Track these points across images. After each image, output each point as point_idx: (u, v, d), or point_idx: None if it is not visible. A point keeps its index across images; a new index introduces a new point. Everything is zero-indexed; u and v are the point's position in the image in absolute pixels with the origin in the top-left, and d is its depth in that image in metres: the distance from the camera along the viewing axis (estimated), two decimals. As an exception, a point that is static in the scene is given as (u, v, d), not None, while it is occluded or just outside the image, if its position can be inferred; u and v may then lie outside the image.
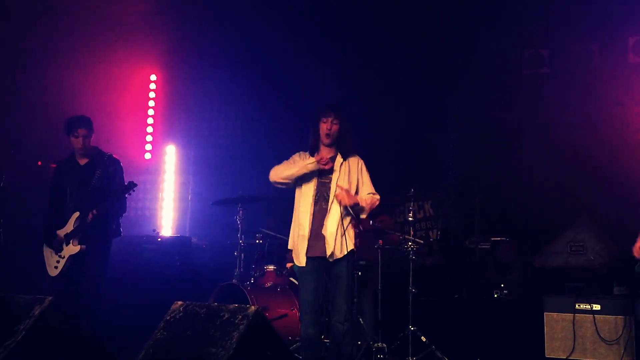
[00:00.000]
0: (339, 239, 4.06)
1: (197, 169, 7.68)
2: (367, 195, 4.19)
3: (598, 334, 5.07)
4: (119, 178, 4.90)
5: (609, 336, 5.05)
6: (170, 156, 7.68)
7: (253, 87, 7.34)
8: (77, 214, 4.72)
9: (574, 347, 5.10)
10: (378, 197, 4.23)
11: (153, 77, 7.71)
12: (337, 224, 4.06)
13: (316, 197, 4.12)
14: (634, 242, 5.46)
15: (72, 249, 4.69)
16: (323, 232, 4.07)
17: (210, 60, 7.46)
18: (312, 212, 4.10)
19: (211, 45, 7.43)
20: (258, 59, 7.30)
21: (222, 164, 7.41)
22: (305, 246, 4.08)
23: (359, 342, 4.97)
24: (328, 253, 4.05)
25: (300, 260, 4.11)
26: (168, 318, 3.69)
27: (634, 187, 5.84)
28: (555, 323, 5.23)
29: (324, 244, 4.06)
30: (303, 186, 4.16)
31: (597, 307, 5.12)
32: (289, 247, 4.27)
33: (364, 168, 4.25)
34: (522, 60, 6.59)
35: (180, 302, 3.79)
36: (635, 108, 6.10)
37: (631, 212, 5.73)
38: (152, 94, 7.70)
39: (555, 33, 6.36)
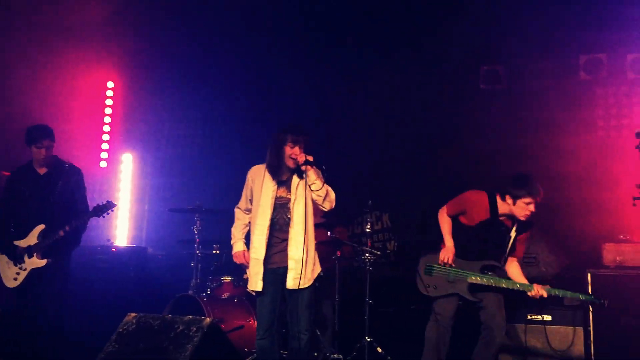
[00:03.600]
0: (304, 267, 4.01)
1: (155, 178, 7.55)
2: None
3: (549, 344, 5.19)
4: (82, 188, 4.83)
5: (559, 346, 5.18)
6: (127, 164, 7.55)
7: (213, 95, 7.29)
8: (41, 226, 4.61)
9: (525, 357, 5.20)
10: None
11: (110, 84, 7.58)
12: (301, 249, 4.01)
13: (273, 219, 4.08)
14: (583, 253, 5.67)
15: (36, 262, 4.57)
16: (288, 262, 4.01)
17: (169, 67, 7.39)
18: (267, 235, 4.06)
19: (170, 52, 7.36)
20: (218, 67, 7.25)
21: (181, 173, 7.32)
22: (261, 272, 4.04)
23: (316, 354, 4.97)
24: (292, 285, 3.98)
25: (255, 284, 4.05)
26: (120, 330, 3.64)
27: (586, 202, 6.02)
28: (507, 333, 5.33)
29: (286, 269, 4.02)
30: (258, 207, 4.10)
31: (548, 317, 5.25)
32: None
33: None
34: (479, 76, 6.74)
35: (133, 314, 3.74)
36: (587, 124, 6.30)
37: (583, 225, 5.93)
38: (108, 101, 7.57)
39: (510, 50, 6.53)
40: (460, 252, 4.51)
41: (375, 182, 6.71)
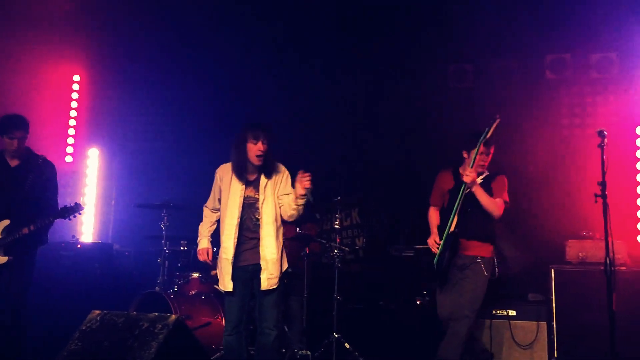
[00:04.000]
0: (275, 267, 4.05)
1: (122, 173, 7.44)
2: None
3: (513, 338, 5.28)
4: (54, 185, 4.71)
5: (523, 340, 5.27)
6: (93, 160, 7.42)
7: (183, 89, 7.21)
8: (6, 221, 4.48)
9: (491, 352, 5.28)
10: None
11: (76, 78, 7.43)
12: (274, 250, 4.04)
13: (242, 219, 4.07)
14: (548, 250, 5.78)
15: None
16: (260, 262, 4.03)
17: (137, 61, 7.26)
18: (236, 235, 4.05)
19: (138, 46, 7.24)
20: (188, 62, 7.17)
21: (149, 168, 7.22)
22: (230, 272, 4.04)
23: (284, 350, 4.97)
24: (263, 286, 4.01)
25: (225, 284, 4.05)
26: (84, 328, 3.58)
27: (550, 200, 6.13)
28: (473, 328, 5.40)
29: (256, 266, 4.04)
30: (227, 207, 4.10)
31: (512, 312, 5.34)
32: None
33: (289, 179, 4.22)
34: (448, 74, 6.80)
35: (97, 312, 3.68)
36: (551, 123, 6.41)
37: (548, 223, 6.04)
38: (75, 95, 7.42)
39: (478, 50, 6.61)
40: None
41: (345, 179, 6.73)
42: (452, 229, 4.45)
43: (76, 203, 4.58)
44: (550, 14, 6.25)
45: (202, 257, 4.24)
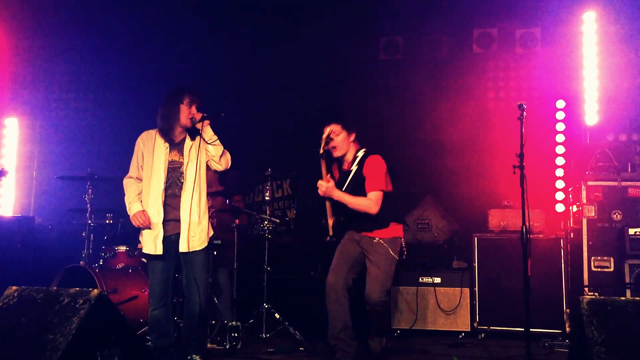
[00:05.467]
0: (196, 229, 3.96)
1: (44, 143, 7.14)
2: None
3: (438, 305, 5.48)
4: None
5: (447, 306, 5.48)
6: (11, 129, 7.08)
7: (107, 59, 6.96)
8: None
9: (416, 318, 5.47)
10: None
11: (-7, 43, 7.03)
12: (195, 212, 3.92)
13: (167, 183, 3.98)
14: (471, 219, 5.97)
15: None
16: (181, 224, 3.94)
17: (58, 30, 6.94)
18: (163, 198, 3.96)
19: (61, 14, 6.90)
20: (112, 30, 6.91)
21: (72, 139, 6.97)
22: (160, 234, 3.93)
23: (213, 322, 4.96)
24: (185, 248, 3.93)
25: (156, 247, 3.94)
26: (0, 305, 3.43)
27: (474, 170, 6.33)
28: (401, 296, 5.57)
29: (179, 235, 3.95)
30: (151, 171, 3.98)
31: (437, 280, 5.53)
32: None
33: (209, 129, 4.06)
34: (379, 47, 6.84)
35: (14, 287, 3.53)
36: (477, 96, 6.58)
37: (471, 192, 6.24)
38: (-8, 61, 7.03)
39: (409, 22, 6.67)
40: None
41: (276, 149, 6.70)
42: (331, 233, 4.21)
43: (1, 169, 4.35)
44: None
45: (138, 220, 3.95)
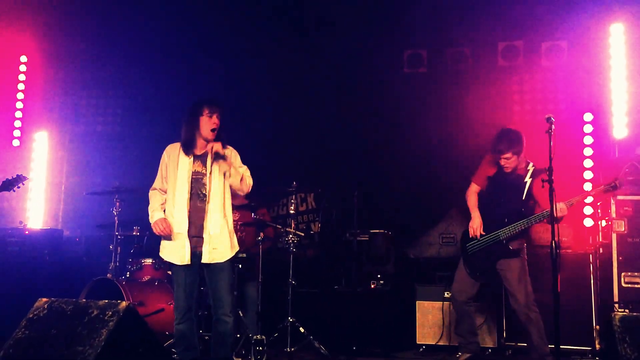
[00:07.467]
0: (220, 240, 3.98)
1: (72, 157, 7.27)
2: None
3: (464, 320, 5.39)
4: None
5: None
6: (41, 143, 7.21)
7: (134, 71, 7.07)
8: None
9: (442, 334, 5.40)
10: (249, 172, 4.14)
11: (23, 59, 7.18)
12: (217, 223, 3.96)
13: (191, 193, 4.01)
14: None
15: None
16: (204, 235, 3.96)
17: (86, 40, 7.07)
18: (189, 208, 3.99)
19: (87, 24, 7.03)
20: (139, 41, 7.01)
21: (100, 152, 7.07)
22: (186, 245, 3.95)
23: (238, 335, 4.95)
24: (207, 259, 3.94)
25: (182, 257, 3.96)
26: (30, 316, 3.48)
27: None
28: (426, 311, 5.52)
29: (202, 246, 3.96)
30: (175, 182, 4.02)
31: (463, 295, 5.44)
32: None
33: (238, 157, 4.17)
34: (403, 60, 6.84)
35: (44, 299, 3.59)
36: (503, 109, 6.52)
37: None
38: (22, 77, 7.18)
39: (432, 35, 6.66)
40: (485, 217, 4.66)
41: (301, 163, 6.72)
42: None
43: (18, 175, 4.46)
44: (504, 2, 6.34)
45: (159, 228, 3.95)
